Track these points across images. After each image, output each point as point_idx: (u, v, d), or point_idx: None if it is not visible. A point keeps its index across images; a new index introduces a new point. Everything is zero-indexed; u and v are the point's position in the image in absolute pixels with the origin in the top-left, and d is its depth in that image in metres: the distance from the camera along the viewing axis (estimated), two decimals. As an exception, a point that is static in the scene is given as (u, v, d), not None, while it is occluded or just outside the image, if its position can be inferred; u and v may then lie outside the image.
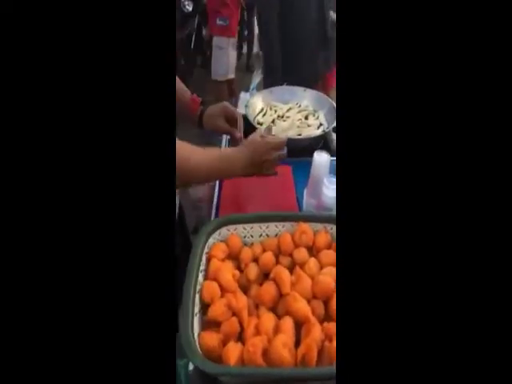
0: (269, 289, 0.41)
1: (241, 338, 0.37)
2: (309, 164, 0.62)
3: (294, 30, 1.14)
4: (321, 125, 0.92)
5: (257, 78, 1.15)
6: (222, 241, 0.48)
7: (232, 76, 2.00)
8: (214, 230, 0.48)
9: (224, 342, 0.36)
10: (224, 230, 0.49)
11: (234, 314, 0.38)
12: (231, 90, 2.03)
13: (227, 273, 0.42)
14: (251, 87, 1.12)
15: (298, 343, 0.36)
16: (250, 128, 0.88)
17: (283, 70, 1.16)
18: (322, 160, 0.61)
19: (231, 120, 0.65)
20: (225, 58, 1.93)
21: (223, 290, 0.41)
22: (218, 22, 1.89)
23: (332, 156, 0.62)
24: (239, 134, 0.64)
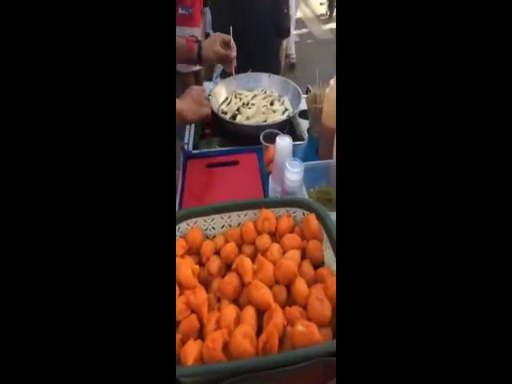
0: (231, 280, 0.40)
1: (201, 335, 0.36)
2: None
3: (246, 14, 1.13)
4: (286, 110, 0.90)
5: (219, 66, 1.11)
6: (182, 237, 0.46)
7: (198, 67, 1.93)
8: (171, 226, 0.45)
9: (183, 342, 0.34)
10: (183, 225, 0.47)
11: (193, 311, 0.37)
12: (198, 82, 1.97)
13: (186, 269, 0.40)
14: (214, 76, 1.08)
15: (261, 331, 0.35)
16: (215, 119, 0.85)
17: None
18: (285, 144, 0.59)
19: (225, 44, 0.81)
20: (190, 48, 1.86)
21: (182, 288, 0.39)
22: (180, 11, 1.81)
23: (296, 140, 0.61)
24: (233, 53, 0.81)
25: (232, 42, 0.82)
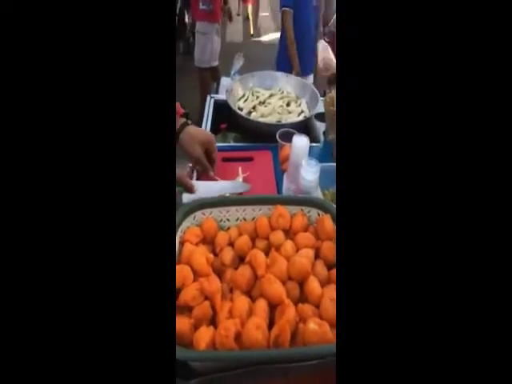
0: (244, 272, 0.40)
1: (213, 322, 0.36)
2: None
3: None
4: (302, 112, 0.91)
5: (238, 62, 1.11)
6: (197, 225, 0.47)
7: (216, 63, 1.94)
8: (187, 214, 0.46)
9: (196, 327, 0.34)
10: (199, 214, 0.47)
11: (207, 297, 0.37)
12: (215, 77, 1.97)
13: (200, 256, 0.40)
14: (232, 72, 1.08)
15: (272, 325, 0.35)
16: (231, 114, 0.85)
17: None
18: (302, 144, 0.59)
19: (208, 154, 0.62)
20: (208, 44, 1.87)
21: (196, 274, 0.39)
22: (201, 6, 1.82)
23: (311, 142, 0.61)
24: (212, 172, 0.62)
25: (215, 155, 0.62)
